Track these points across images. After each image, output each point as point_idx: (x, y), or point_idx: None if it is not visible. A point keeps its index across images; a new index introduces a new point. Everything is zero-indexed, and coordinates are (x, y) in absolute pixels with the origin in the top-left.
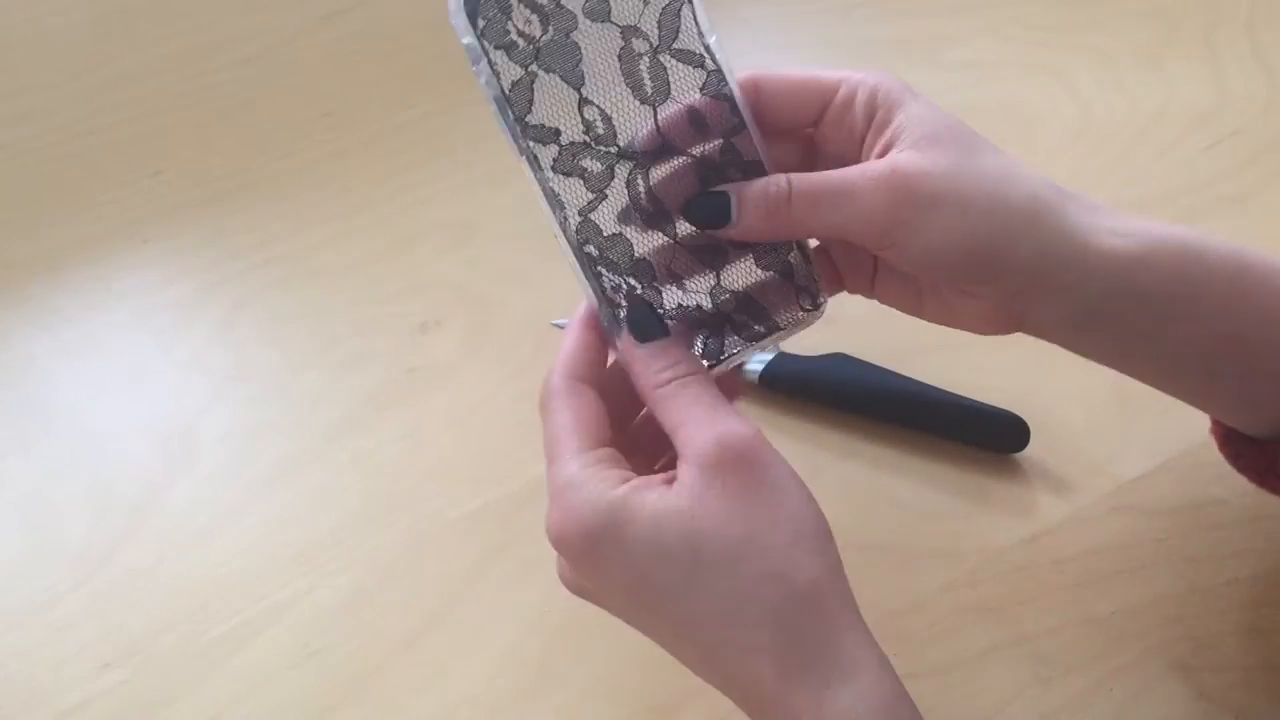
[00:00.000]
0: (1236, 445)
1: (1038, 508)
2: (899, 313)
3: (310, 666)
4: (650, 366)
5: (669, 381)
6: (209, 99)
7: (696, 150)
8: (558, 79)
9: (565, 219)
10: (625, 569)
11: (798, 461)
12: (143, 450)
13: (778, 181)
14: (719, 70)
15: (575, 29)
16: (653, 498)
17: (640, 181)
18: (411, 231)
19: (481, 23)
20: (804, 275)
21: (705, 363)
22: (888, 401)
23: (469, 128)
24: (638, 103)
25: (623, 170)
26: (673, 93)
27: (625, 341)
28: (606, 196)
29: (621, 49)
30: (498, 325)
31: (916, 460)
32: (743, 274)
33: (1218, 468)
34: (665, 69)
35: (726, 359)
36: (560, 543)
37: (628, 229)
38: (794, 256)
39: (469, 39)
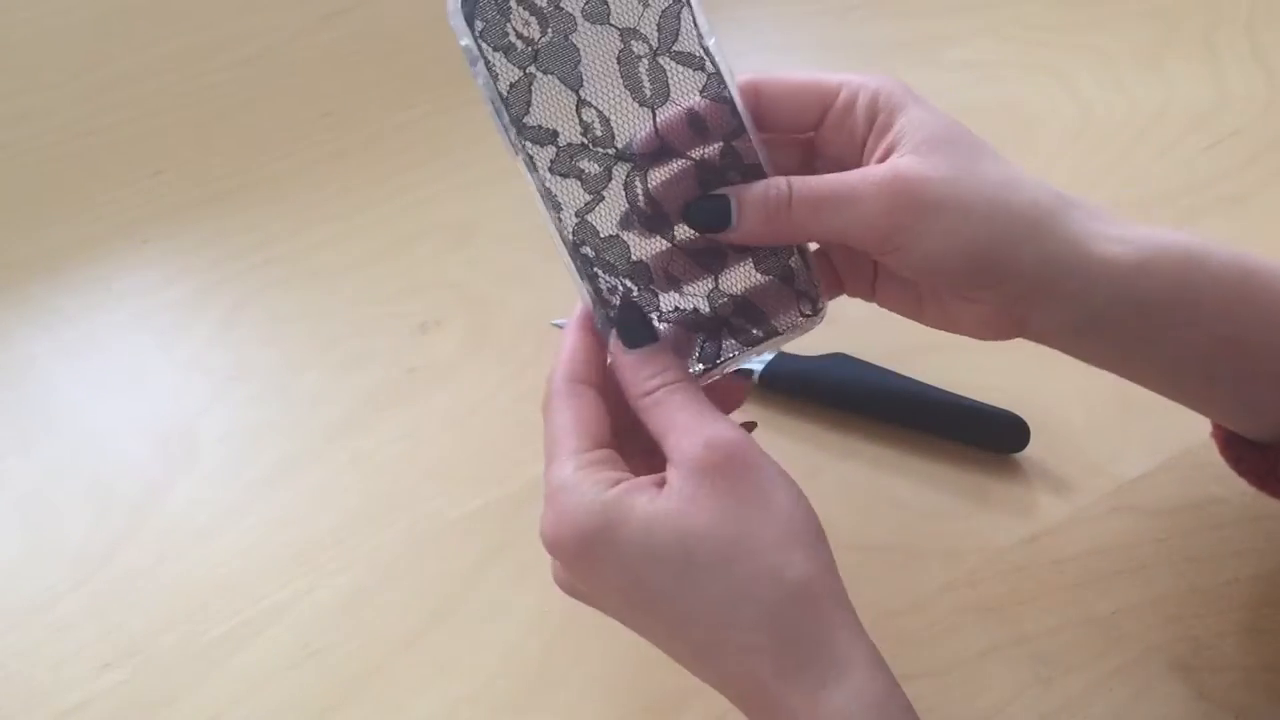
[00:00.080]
0: (1237, 449)
1: (1038, 508)
2: (899, 315)
3: (310, 666)
4: (638, 374)
5: (656, 389)
6: (209, 99)
7: (695, 153)
8: (556, 81)
9: (562, 220)
10: (618, 571)
11: (798, 461)
12: (143, 450)
13: (778, 185)
14: (719, 73)
15: (574, 31)
16: (644, 500)
17: (638, 184)
18: (411, 231)
19: (480, 24)
20: (804, 280)
21: (701, 366)
22: (888, 401)
23: (469, 128)
24: (636, 105)
25: (620, 172)
26: (672, 95)
27: (614, 347)
28: (604, 198)
29: (620, 51)
30: (498, 325)
31: (916, 460)
32: (742, 278)
33: (1218, 468)
34: (664, 71)
35: (723, 363)
36: (554, 545)
37: (625, 232)
38: (794, 261)
39: (466, 40)
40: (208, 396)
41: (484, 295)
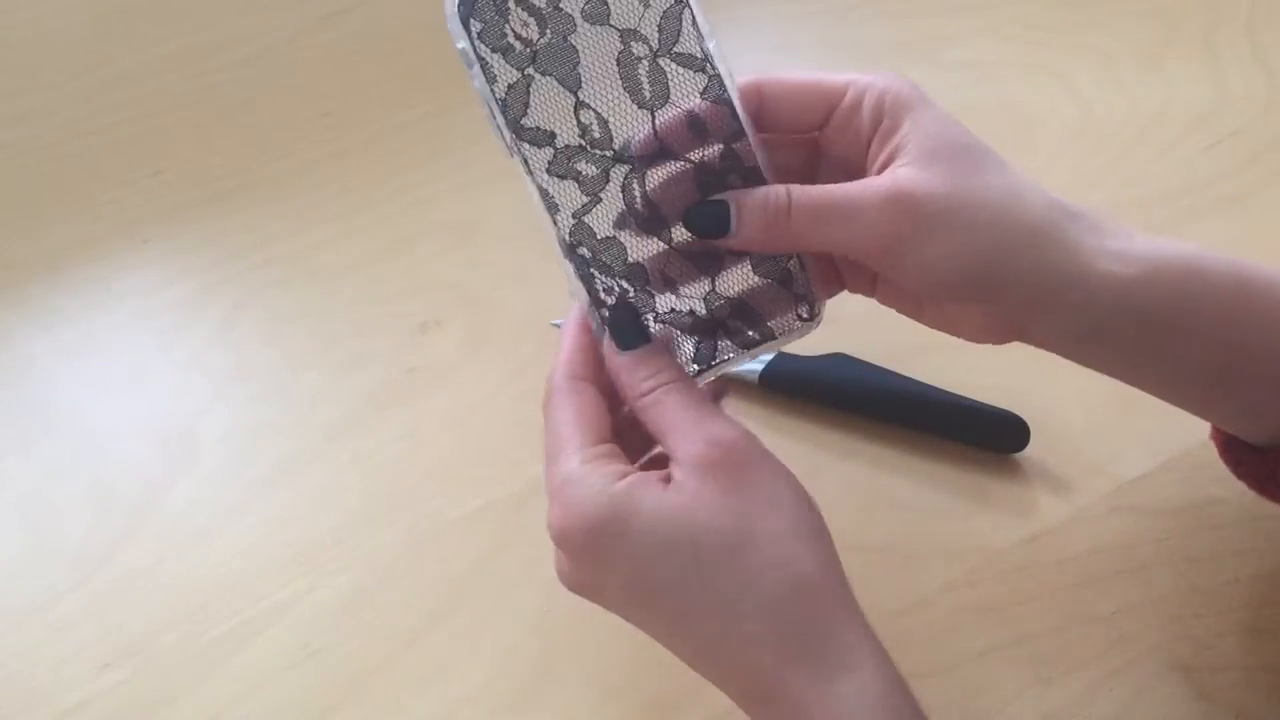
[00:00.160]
0: (1237, 453)
1: (1038, 508)
2: (899, 313)
3: (310, 666)
4: (634, 375)
5: (653, 389)
6: (209, 99)
7: (695, 155)
8: (554, 82)
9: (559, 221)
10: (626, 563)
11: (798, 461)
12: (143, 450)
13: (778, 193)
14: (719, 75)
15: (573, 32)
16: (652, 494)
17: (636, 186)
18: (411, 231)
19: (478, 25)
20: (802, 284)
21: (696, 367)
22: (888, 401)
23: (469, 128)
24: (635, 107)
25: (618, 174)
26: (672, 97)
27: (608, 349)
28: (601, 200)
29: (620, 52)
30: (498, 325)
31: (916, 460)
32: (739, 280)
33: (1218, 468)
34: (665, 73)
35: (718, 364)
36: (562, 537)
37: (622, 233)
38: (793, 264)
39: (463, 44)
40: (208, 396)
41: (484, 295)
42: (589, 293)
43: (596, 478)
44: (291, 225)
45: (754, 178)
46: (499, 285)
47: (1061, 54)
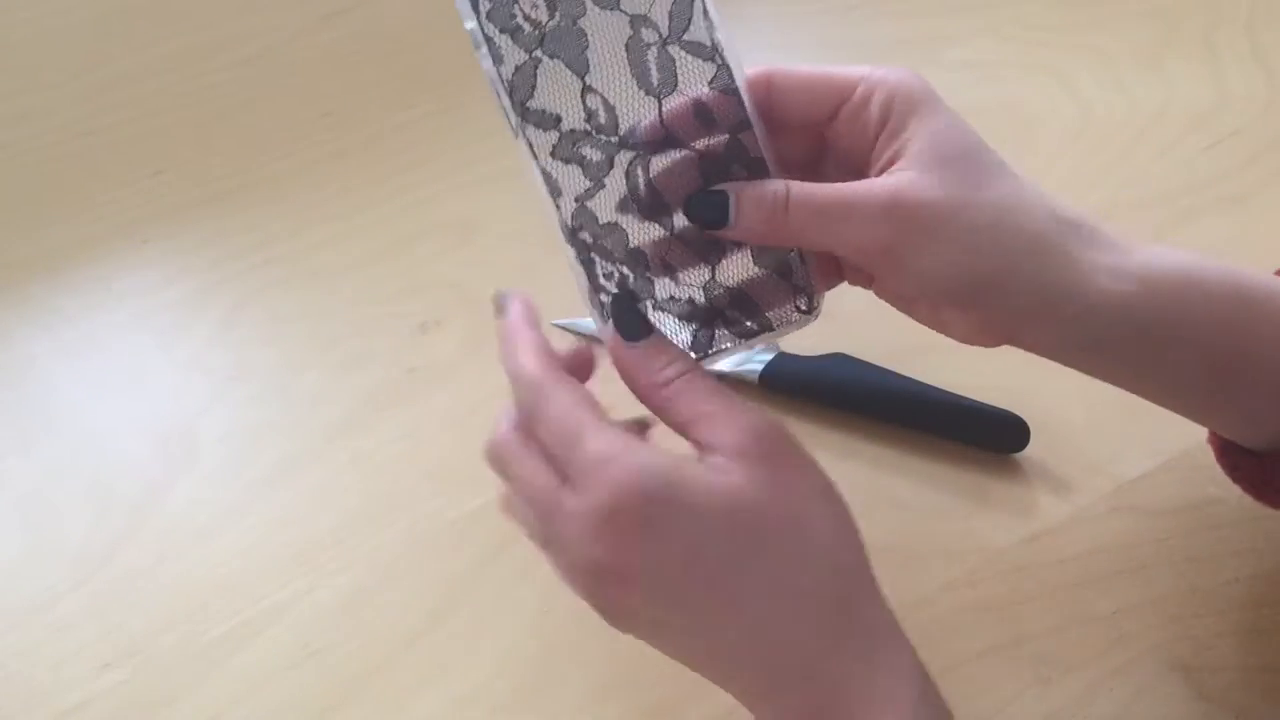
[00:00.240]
0: (1234, 457)
1: (1038, 508)
2: (899, 313)
3: (310, 666)
4: (651, 365)
5: (674, 378)
6: (209, 99)
7: (700, 144)
8: (562, 65)
9: (561, 205)
10: (682, 538)
11: None
12: (143, 450)
13: (776, 188)
14: (729, 64)
15: (583, 16)
16: (701, 472)
17: (640, 172)
18: (411, 231)
19: (487, 5)
20: (801, 276)
21: (693, 355)
22: (888, 401)
23: (469, 128)
24: (642, 93)
25: (623, 160)
26: (680, 85)
27: (614, 340)
28: (604, 186)
29: (630, 38)
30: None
31: (916, 460)
32: (739, 269)
33: (1218, 468)
34: (674, 60)
35: (715, 353)
36: (615, 510)
37: (624, 218)
38: (793, 256)
39: (471, 24)
40: (208, 396)
41: (484, 295)
42: (589, 277)
43: (643, 452)
44: (291, 225)
45: (758, 169)
46: (499, 285)
47: (1061, 54)
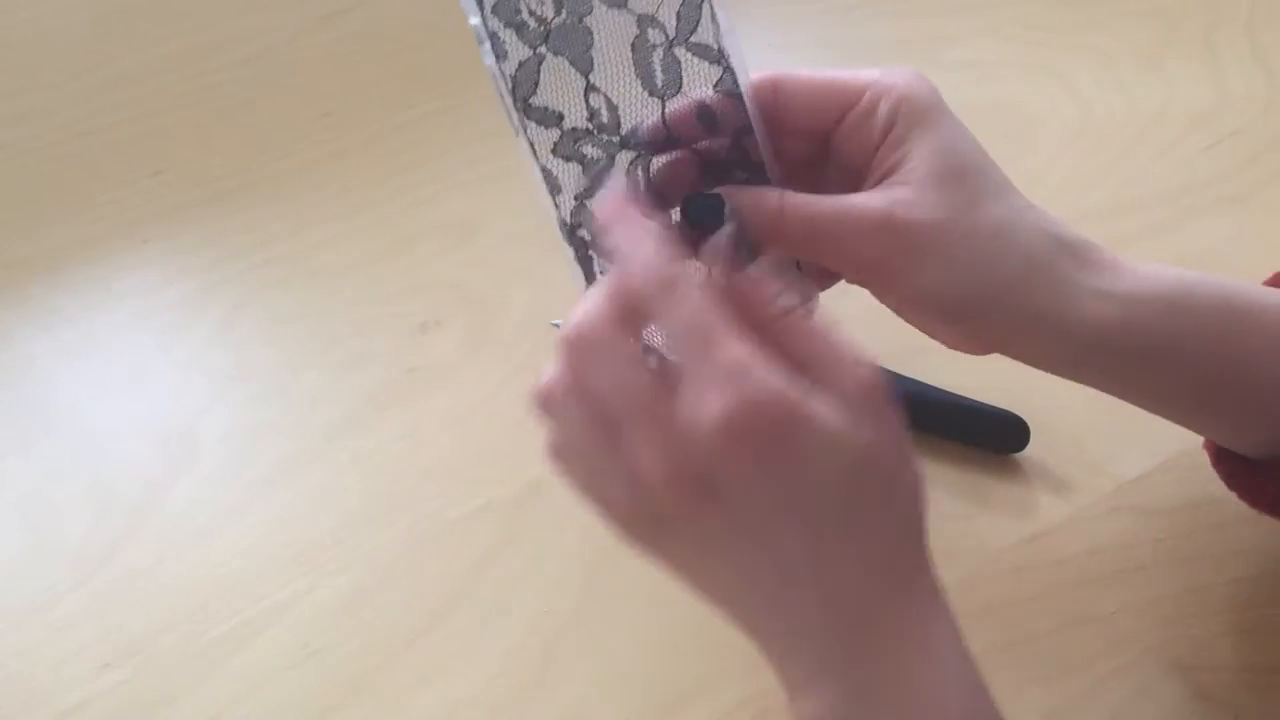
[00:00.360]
0: (1229, 464)
1: (1038, 508)
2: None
3: (310, 666)
4: (766, 293)
5: (790, 311)
6: (209, 99)
7: (702, 147)
8: (566, 63)
9: (560, 203)
10: (790, 474)
11: None
12: (143, 450)
13: (770, 197)
14: (734, 68)
15: (589, 13)
16: (826, 408)
17: (640, 173)
18: (411, 231)
19: (491, 0)
20: (796, 276)
21: None
22: None
23: (469, 127)
24: (646, 94)
25: (624, 160)
26: (684, 87)
27: (724, 263)
28: (605, 184)
29: (636, 38)
30: (498, 325)
31: None
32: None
33: None
34: (679, 62)
35: None
36: (735, 423)
37: None
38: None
39: (475, 20)
40: (208, 396)
41: (484, 295)
42: (586, 276)
43: (778, 374)
44: (291, 225)
45: (759, 174)
46: (499, 285)
47: (1061, 54)
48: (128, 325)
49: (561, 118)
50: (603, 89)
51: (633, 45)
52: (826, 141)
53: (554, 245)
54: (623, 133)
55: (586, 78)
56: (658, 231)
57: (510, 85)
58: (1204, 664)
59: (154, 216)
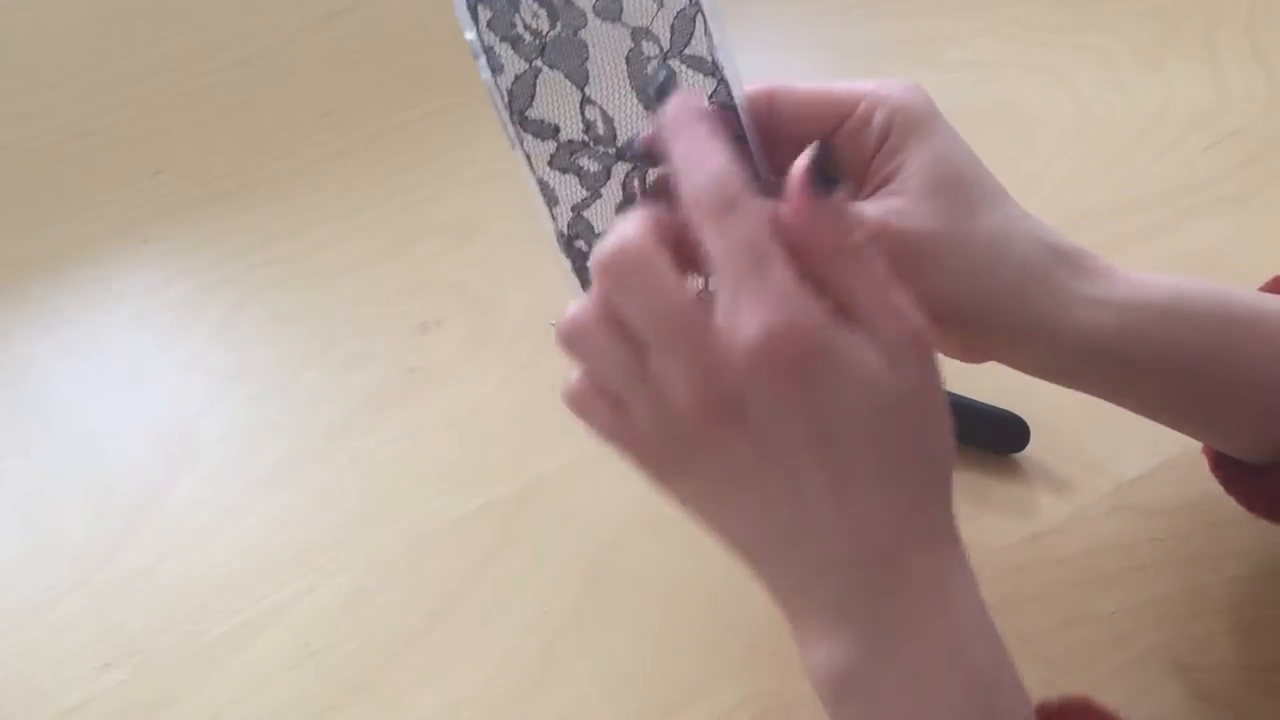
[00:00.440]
0: (1227, 470)
1: (1038, 508)
2: None
3: (310, 666)
4: (841, 222)
5: (860, 246)
6: (209, 99)
7: None
8: (561, 76)
9: (556, 215)
10: (823, 406)
11: None
12: (143, 450)
13: (765, 205)
14: (729, 80)
15: (584, 27)
16: (858, 347)
17: (637, 184)
18: (411, 231)
19: (487, 14)
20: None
21: None
22: None
23: (469, 128)
24: (642, 106)
25: (620, 171)
26: None
27: (802, 186)
28: (601, 196)
29: (630, 51)
30: (498, 325)
31: None
32: None
33: None
34: (674, 74)
35: None
36: (777, 344)
37: None
38: None
39: (471, 35)
40: (208, 396)
41: (484, 295)
42: (583, 286)
43: (815, 310)
44: (291, 225)
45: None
46: (499, 285)
47: (1061, 54)
48: (128, 325)
49: (558, 130)
50: (598, 101)
51: (628, 58)
52: None
53: (552, 255)
54: (619, 145)
55: (582, 90)
56: (725, 148)
57: (507, 99)
58: (1204, 664)
59: (154, 216)
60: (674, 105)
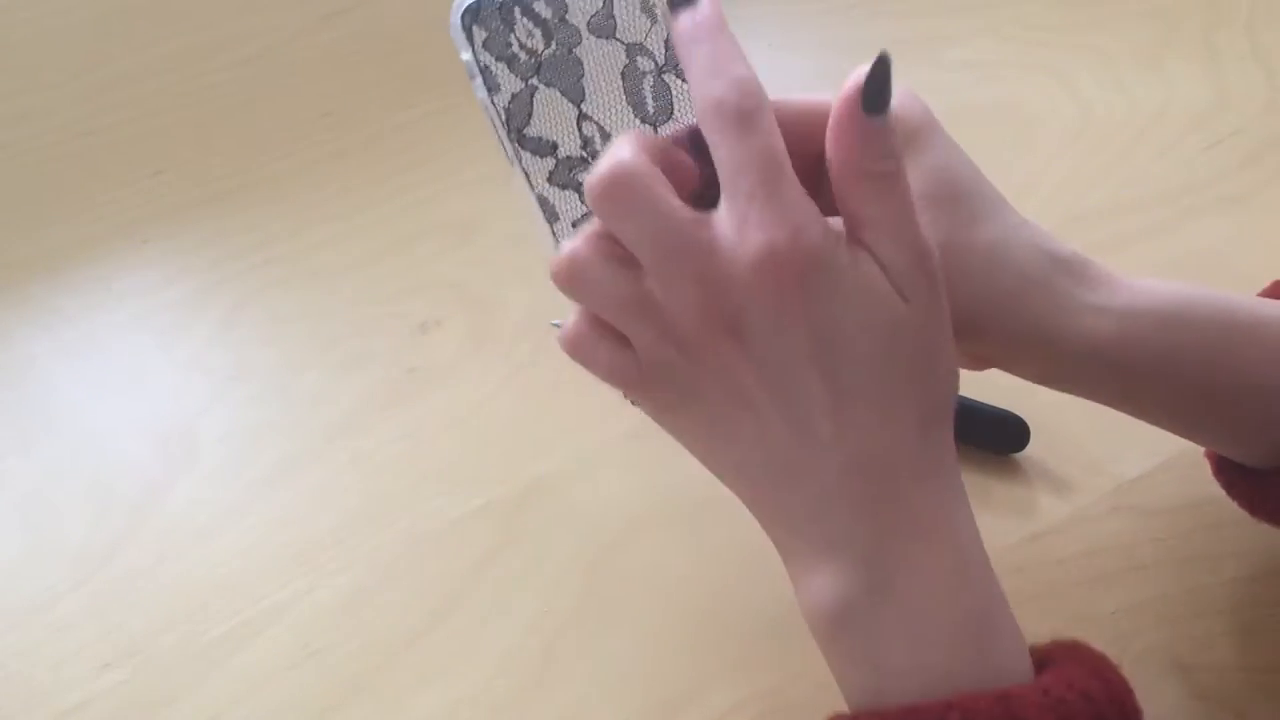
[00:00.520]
0: (1230, 474)
1: (1038, 508)
2: None
3: (310, 666)
4: (877, 145)
5: (894, 170)
6: (209, 99)
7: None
8: (558, 94)
9: (556, 230)
10: (825, 324)
11: None
12: (143, 450)
13: None
14: None
15: (579, 44)
16: (868, 265)
17: None
18: (411, 231)
19: (483, 34)
20: None
21: None
22: None
23: (469, 127)
24: (638, 121)
25: None
26: (675, 113)
27: (850, 102)
28: None
29: (625, 66)
30: (498, 325)
31: None
32: None
33: None
34: (670, 89)
35: None
36: (790, 251)
37: None
38: None
39: (466, 55)
40: (208, 396)
41: (484, 295)
42: None
43: (825, 225)
44: (291, 225)
45: None
46: (499, 285)
47: (1061, 54)
48: (128, 325)
49: (556, 147)
50: (595, 118)
51: (623, 74)
52: (820, 163)
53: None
54: None
55: (579, 107)
56: (747, 60)
57: (504, 117)
58: (1204, 664)
59: (154, 216)
60: (699, 10)
